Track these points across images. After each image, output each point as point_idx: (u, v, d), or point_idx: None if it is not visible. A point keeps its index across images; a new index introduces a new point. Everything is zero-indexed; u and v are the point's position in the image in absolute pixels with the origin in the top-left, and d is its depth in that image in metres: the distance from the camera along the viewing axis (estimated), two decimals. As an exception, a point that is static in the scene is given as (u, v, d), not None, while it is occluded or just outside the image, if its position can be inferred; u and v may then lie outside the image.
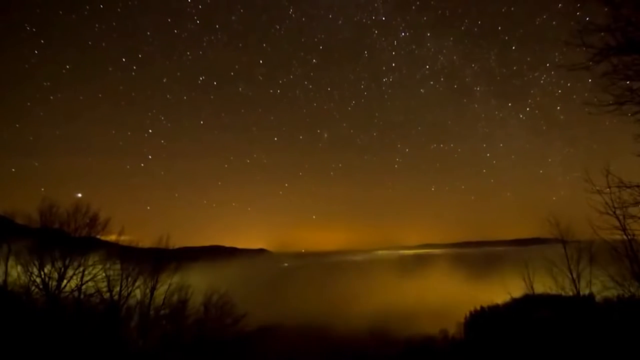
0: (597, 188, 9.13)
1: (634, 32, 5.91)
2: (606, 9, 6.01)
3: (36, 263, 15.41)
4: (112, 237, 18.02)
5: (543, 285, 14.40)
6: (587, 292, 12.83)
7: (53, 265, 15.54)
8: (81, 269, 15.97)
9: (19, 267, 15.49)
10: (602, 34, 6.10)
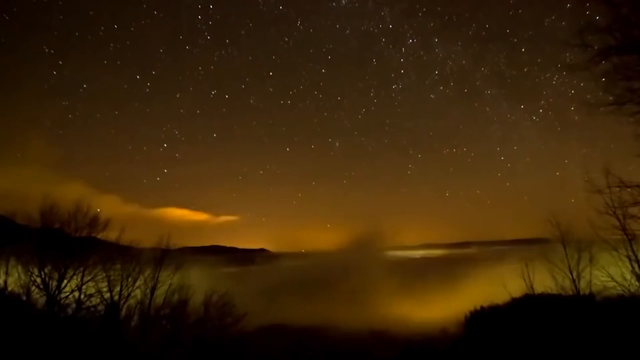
0: (598, 188, 9.17)
1: (634, 32, 5.90)
2: (607, 10, 6.00)
3: (36, 263, 15.42)
4: (112, 237, 18.06)
5: (543, 285, 14.42)
6: (587, 292, 12.84)
7: (53, 265, 15.55)
8: (81, 268, 15.98)
9: (20, 267, 15.50)
10: (605, 33, 6.09)
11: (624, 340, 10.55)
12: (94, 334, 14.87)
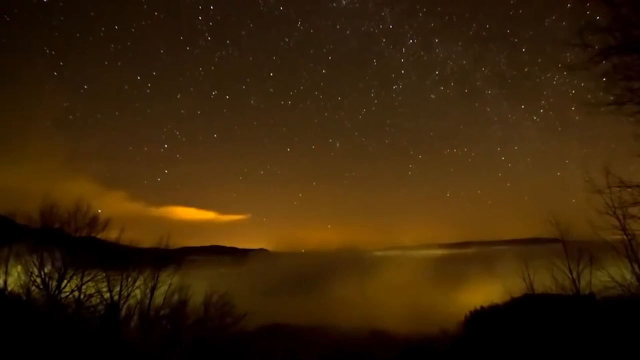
0: (598, 188, 9.15)
1: (634, 32, 5.90)
2: (607, 10, 6.00)
3: (36, 263, 15.44)
4: (112, 237, 18.05)
5: (543, 285, 14.39)
6: (587, 292, 12.83)
7: (53, 265, 15.56)
8: (81, 268, 15.98)
9: (20, 267, 15.51)
10: (605, 33, 6.09)
11: (624, 340, 10.54)
12: (94, 334, 14.87)
